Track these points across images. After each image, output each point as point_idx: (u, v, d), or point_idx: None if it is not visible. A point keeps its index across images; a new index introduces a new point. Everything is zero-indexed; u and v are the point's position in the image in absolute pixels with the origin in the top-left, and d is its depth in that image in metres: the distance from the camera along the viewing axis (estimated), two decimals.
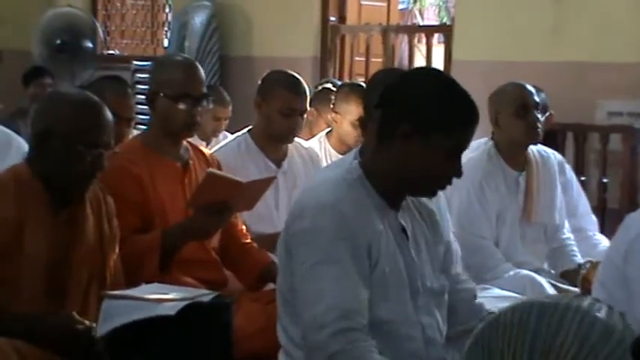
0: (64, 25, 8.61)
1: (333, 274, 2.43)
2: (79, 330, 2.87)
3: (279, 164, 4.35)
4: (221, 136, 5.99)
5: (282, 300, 2.61)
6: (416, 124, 2.50)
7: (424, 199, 2.72)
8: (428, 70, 2.66)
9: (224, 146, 4.44)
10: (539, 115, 4.29)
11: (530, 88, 4.35)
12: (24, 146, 4.91)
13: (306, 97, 4.31)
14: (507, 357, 1.96)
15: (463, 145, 2.55)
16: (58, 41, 8.55)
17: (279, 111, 4.23)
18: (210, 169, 3.63)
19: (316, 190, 2.59)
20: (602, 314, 2.00)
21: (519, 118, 4.26)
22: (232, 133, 5.00)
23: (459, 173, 2.56)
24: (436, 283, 2.66)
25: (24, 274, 2.90)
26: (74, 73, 8.46)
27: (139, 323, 2.82)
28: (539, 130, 4.30)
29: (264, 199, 4.06)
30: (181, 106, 3.63)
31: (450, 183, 2.58)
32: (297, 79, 4.33)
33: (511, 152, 4.38)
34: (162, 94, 3.65)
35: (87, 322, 2.90)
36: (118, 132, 4.13)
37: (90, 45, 8.70)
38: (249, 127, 4.41)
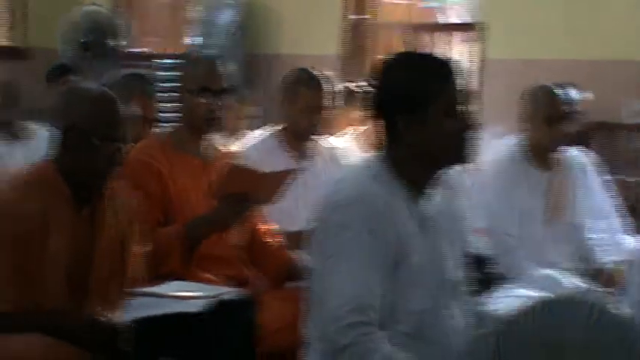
0: (89, 23, 8.64)
1: (351, 267, 2.45)
2: (102, 326, 2.88)
3: (301, 162, 4.35)
4: (245, 134, 5.99)
5: (310, 294, 2.60)
6: (408, 111, 2.54)
7: (447, 194, 2.74)
8: (390, 61, 2.69)
9: (248, 144, 4.45)
10: (570, 126, 4.29)
11: (562, 93, 4.33)
12: None
13: (326, 93, 4.31)
14: (522, 356, 1.97)
15: (458, 96, 2.57)
16: (83, 39, 8.57)
17: (301, 108, 4.24)
18: (233, 161, 3.66)
19: (341, 184, 2.61)
20: (609, 305, 2.01)
21: (549, 126, 4.27)
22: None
23: (469, 121, 2.58)
24: (454, 276, 2.67)
25: (48, 271, 2.91)
26: (99, 70, 8.48)
27: (163, 320, 2.83)
28: (566, 139, 4.30)
29: (287, 196, 4.07)
30: (202, 100, 3.67)
31: (470, 135, 2.59)
32: (318, 76, 4.33)
33: (537, 153, 4.38)
34: (185, 90, 3.71)
35: (109, 316, 2.91)
36: (142, 131, 4.15)
37: (114, 43, 8.72)
38: (274, 126, 4.42)
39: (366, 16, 8.20)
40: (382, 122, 2.60)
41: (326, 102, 4.30)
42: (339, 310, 2.41)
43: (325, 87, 4.32)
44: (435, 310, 2.58)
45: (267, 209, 4.02)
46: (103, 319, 2.91)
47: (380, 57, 7.93)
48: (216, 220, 3.54)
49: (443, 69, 2.59)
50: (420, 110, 2.53)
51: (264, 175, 3.55)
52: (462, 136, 2.58)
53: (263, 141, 4.38)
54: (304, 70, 4.42)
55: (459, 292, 2.69)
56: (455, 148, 2.58)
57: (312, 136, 4.35)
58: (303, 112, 4.25)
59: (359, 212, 2.48)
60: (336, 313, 2.42)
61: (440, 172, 2.65)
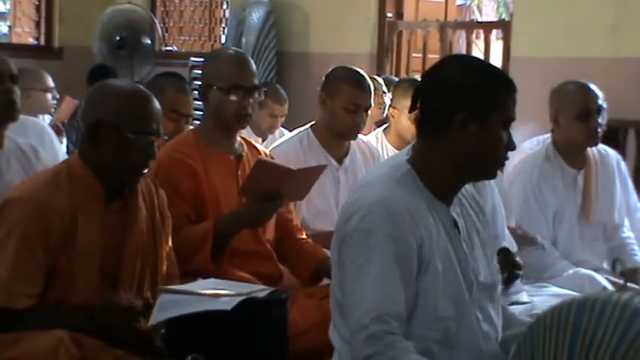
0: (124, 22, 8.69)
1: (375, 274, 2.43)
2: (132, 312, 2.90)
3: (340, 161, 4.33)
4: (277, 132, 6.00)
5: (335, 301, 2.61)
6: (472, 109, 2.51)
7: (476, 195, 2.72)
8: (455, 58, 2.66)
9: (286, 141, 4.42)
10: (600, 119, 4.25)
11: (593, 88, 4.30)
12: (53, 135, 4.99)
13: (370, 93, 4.28)
14: (548, 358, 1.94)
15: (513, 114, 2.58)
16: (118, 37, 8.62)
17: (343, 107, 4.20)
18: (260, 157, 3.66)
19: (364, 189, 2.58)
20: None
21: (580, 122, 4.23)
22: (289, 129, 5.00)
23: (513, 145, 2.58)
24: (489, 278, 2.64)
25: (78, 266, 2.93)
26: (133, 69, 8.54)
27: (194, 318, 2.83)
28: (599, 134, 4.26)
29: (325, 196, 4.07)
30: (232, 98, 3.67)
31: (506, 157, 2.59)
32: (362, 75, 4.30)
33: (569, 151, 4.35)
34: (214, 87, 3.69)
35: (138, 304, 2.93)
36: (177, 128, 4.17)
37: (148, 41, 8.77)
38: (312, 123, 4.39)
39: (402, 14, 8.18)
40: (431, 119, 2.57)
41: (368, 100, 4.27)
42: (362, 318, 2.40)
43: (368, 85, 4.28)
44: (463, 315, 2.55)
45: (304, 207, 4.02)
46: (132, 307, 2.92)
47: (416, 55, 7.95)
48: (245, 217, 3.54)
49: (508, 81, 2.59)
50: (482, 113, 2.52)
51: (292, 171, 3.54)
52: (505, 152, 2.57)
53: (300, 138, 4.34)
54: (348, 68, 4.38)
55: (493, 293, 2.66)
56: (497, 159, 2.58)
57: (354, 134, 4.30)
58: (346, 110, 4.21)
59: (378, 217, 2.46)
60: (359, 322, 2.41)
61: (469, 180, 2.63)
